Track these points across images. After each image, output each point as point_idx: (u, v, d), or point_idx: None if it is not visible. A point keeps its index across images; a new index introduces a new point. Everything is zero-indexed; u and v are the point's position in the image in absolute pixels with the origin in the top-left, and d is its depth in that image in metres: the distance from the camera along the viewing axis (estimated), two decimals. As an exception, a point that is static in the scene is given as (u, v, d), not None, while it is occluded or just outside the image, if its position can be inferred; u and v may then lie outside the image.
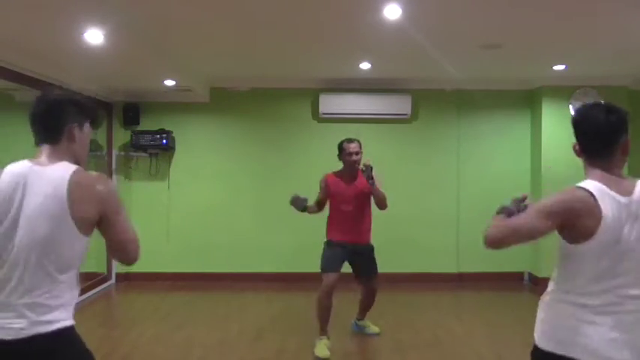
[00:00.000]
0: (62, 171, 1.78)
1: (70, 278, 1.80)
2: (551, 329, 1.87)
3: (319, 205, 4.52)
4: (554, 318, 1.87)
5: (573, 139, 1.92)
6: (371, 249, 4.51)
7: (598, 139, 1.84)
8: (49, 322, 1.74)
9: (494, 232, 1.88)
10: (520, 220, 1.87)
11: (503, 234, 1.87)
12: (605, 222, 1.74)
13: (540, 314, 1.93)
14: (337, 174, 4.46)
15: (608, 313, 1.77)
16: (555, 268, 1.92)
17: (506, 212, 1.97)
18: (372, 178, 4.17)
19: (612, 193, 1.77)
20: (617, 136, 1.82)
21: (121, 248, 1.85)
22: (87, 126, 1.94)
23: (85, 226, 1.77)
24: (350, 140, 4.37)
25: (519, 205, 1.98)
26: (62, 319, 1.77)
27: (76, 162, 1.86)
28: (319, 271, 4.37)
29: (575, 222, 1.76)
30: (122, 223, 1.83)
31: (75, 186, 1.75)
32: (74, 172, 1.78)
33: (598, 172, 1.83)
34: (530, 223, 1.83)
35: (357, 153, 4.32)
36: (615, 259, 1.76)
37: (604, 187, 1.78)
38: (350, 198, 4.35)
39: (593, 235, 1.75)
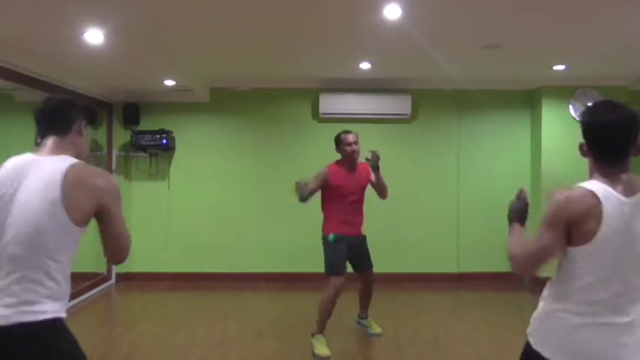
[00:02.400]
0: (60, 162, 1.84)
1: (60, 268, 1.79)
2: (543, 334, 1.81)
3: (311, 194, 4.20)
4: (547, 322, 1.81)
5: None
6: (364, 239, 4.53)
7: (615, 141, 1.74)
8: (36, 312, 1.72)
9: (519, 259, 1.85)
10: (534, 243, 1.80)
11: (525, 263, 1.84)
12: (607, 224, 1.67)
13: (536, 314, 1.88)
14: (338, 165, 4.40)
15: (600, 321, 1.71)
16: (555, 270, 1.87)
17: (515, 216, 2.00)
18: (378, 166, 4.27)
19: (617, 194, 1.70)
20: (634, 138, 1.73)
21: (115, 243, 1.90)
22: (87, 126, 2.06)
23: (79, 216, 1.80)
24: (347, 131, 4.38)
25: (520, 202, 2.01)
26: (50, 310, 1.75)
27: (77, 156, 1.93)
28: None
29: (578, 223, 1.69)
30: (118, 219, 1.88)
31: (72, 177, 1.80)
32: (73, 164, 1.84)
33: (605, 172, 1.74)
34: (541, 242, 1.77)
35: (355, 143, 4.32)
36: (613, 264, 1.69)
37: (608, 187, 1.71)
38: (352, 189, 4.34)
39: (593, 237, 1.68)
